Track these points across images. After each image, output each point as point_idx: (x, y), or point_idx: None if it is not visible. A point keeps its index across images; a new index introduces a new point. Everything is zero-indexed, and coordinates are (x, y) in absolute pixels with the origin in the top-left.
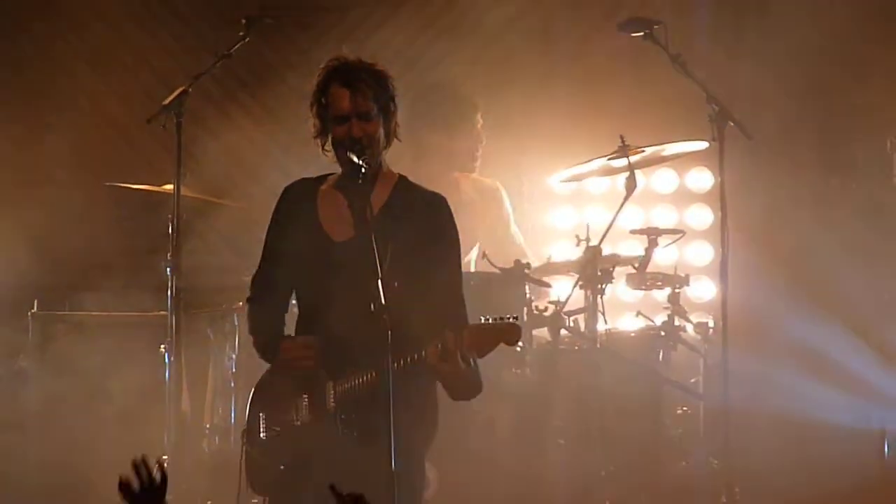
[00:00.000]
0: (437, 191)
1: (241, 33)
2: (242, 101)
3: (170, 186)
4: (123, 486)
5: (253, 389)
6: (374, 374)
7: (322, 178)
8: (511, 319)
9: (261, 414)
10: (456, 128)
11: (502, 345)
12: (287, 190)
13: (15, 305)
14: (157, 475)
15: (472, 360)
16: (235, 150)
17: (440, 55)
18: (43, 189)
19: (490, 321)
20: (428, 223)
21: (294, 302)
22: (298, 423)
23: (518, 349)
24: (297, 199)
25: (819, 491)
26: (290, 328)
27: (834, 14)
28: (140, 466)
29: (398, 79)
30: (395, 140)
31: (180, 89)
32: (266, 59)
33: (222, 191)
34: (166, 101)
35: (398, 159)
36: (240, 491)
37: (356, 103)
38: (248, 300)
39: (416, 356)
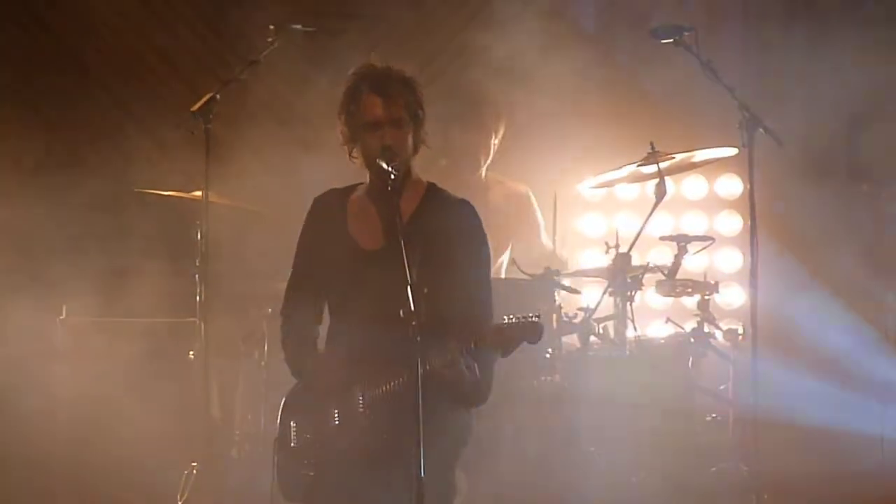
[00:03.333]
0: (465, 193)
1: (269, 39)
2: (272, 107)
3: (199, 193)
4: None
5: (284, 398)
6: (401, 379)
7: (351, 188)
8: (533, 318)
9: (291, 422)
10: (467, 126)
11: (533, 352)
12: (317, 201)
13: (44, 311)
14: None
15: (475, 370)
16: (265, 156)
17: (469, 61)
18: (72, 194)
19: (513, 320)
20: (457, 230)
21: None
22: (328, 430)
23: (547, 356)
24: (327, 211)
25: (848, 499)
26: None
27: (862, 22)
28: None
29: (427, 85)
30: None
31: (209, 95)
32: (295, 65)
33: (251, 197)
34: (195, 107)
35: (427, 163)
36: (271, 499)
37: (388, 111)
38: (281, 313)
39: (425, 370)
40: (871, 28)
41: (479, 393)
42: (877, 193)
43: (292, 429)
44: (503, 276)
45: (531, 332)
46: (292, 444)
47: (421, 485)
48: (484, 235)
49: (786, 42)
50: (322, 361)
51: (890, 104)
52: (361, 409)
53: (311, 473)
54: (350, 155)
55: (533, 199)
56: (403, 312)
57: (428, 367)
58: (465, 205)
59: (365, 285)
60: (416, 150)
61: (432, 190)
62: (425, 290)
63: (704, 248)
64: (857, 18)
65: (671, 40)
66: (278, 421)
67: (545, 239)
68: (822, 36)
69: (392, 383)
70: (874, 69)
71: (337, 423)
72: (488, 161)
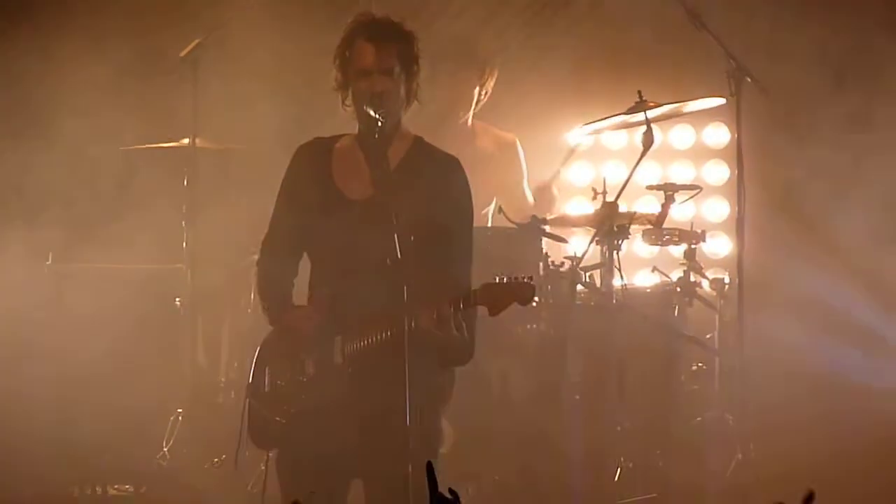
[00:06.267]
0: (452, 141)
1: None
2: (259, 55)
3: (185, 140)
4: None
5: (259, 346)
6: (388, 332)
7: (337, 137)
8: (525, 279)
9: (266, 369)
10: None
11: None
12: (301, 150)
13: (30, 258)
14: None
15: (464, 329)
16: (253, 102)
17: (459, 10)
18: (59, 144)
19: (504, 280)
20: (442, 185)
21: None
22: (304, 377)
23: (534, 304)
24: (311, 159)
25: (834, 447)
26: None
27: None
28: None
29: (419, 32)
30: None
31: (196, 41)
32: (284, 12)
33: (239, 143)
34: (183, 53)
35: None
36: (238, 446)
37: (380, 58)
38: (258, 263)
39: (412, 323)
40: None
41: (465, 352)
42: (866, 141)
43: (266, 375)
44: (490, 224)
45: (523, 293)
46: (265, 391)
47: (407, 435)
48: (469, 193)
49: None
50: (301, 311)
51: (885, 50)
52: (340, 359)
53: (277, 419)
54: (342, 102)
55: (520, 147)
56: (390, 260)
57: (415, 326)
58: (452, 160)
59: (349, 234)
60: (408, 102)
61: (420, 143)
62: (412, 239)
63: (691, 198)
64: None
65: None
66: (252, 366)
67: (527, 189)
68: None
69: (377, 335)
70: (863, 18)
71: (313, 371)
72: (470, 111)
